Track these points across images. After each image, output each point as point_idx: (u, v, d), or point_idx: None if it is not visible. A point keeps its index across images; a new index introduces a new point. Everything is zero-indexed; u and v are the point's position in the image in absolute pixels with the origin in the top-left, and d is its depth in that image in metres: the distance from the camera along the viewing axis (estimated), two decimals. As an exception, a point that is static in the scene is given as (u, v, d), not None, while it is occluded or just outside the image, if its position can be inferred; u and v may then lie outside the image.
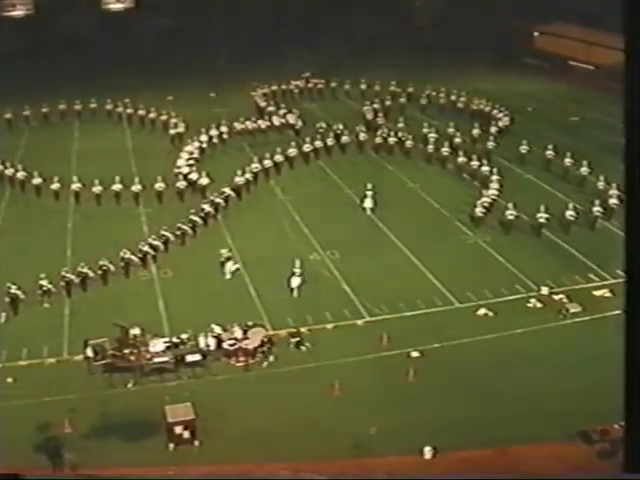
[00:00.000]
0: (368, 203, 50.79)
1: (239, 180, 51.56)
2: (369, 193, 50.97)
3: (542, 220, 45.63)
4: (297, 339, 34.64)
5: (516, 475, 26.43)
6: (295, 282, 38.73)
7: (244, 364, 33.14)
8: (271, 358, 33.16)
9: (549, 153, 56.59)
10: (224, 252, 41.31)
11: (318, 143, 59.77)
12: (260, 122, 65.22)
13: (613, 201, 47.40)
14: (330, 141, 60.28)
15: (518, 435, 28.35)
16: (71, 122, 69.56)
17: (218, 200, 48.63)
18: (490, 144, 58.95)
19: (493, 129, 62.74)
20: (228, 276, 40.23)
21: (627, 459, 9.91)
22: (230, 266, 40.40)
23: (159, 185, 50.93)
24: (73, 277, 39.13)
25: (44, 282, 38.01)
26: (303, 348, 34.47)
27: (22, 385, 31.87)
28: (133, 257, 41.46)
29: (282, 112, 67.53)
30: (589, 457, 27.44)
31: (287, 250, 44.26)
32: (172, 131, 63.59)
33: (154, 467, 26.99)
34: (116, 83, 77.12)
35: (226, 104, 74.10)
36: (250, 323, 34.61)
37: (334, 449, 27.76)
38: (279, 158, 56.30)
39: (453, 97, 72.74)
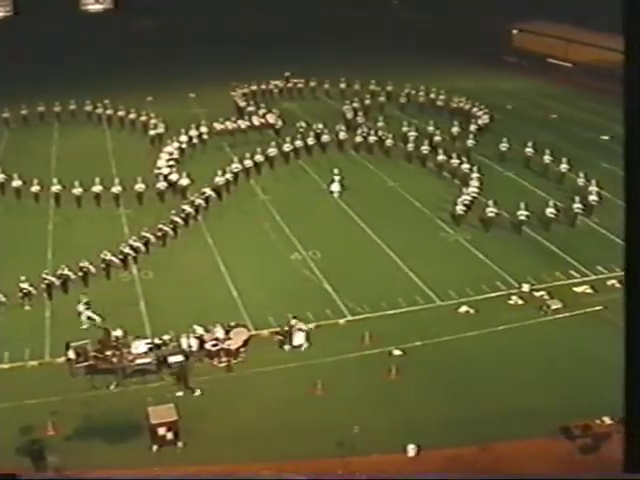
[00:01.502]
0: (335, 187, 52.36)
1: (219, 180, 51.54)
2: (336, 178, 52.52)
3: (522, 217, 45.81)
4: (281, 337, 34.65)
5: (501, 474, 26.55)
6: (299, 339, 35.14)
7: (226, 364, 33.13)
8: (197, 392, 31.88)
9: (529, 150, 56.85)
10: (81, 304, 36.99)
11: (298, 143, 59.82)
12: (240, 122, 65.19)
13: (593, 198, 47.65)
14: (310, 140, 60.34)
15: (501, 432, 28.46)
16: (50, 123, 69.36)
17: (199, 201, 48.58)
18: (470, 142, 59.20)
19: (473, 127, 62.98)
20: (85, 325, 36.42)
21: (627, 459, 9.95)
22: (87, 314, 36.80)
23: (139, 186, 50.81)
24: (54, 279, 38.99)
25: (25, 284, 37.86)
26: (286, 348, 34.49)
27: (4, 388, 31.73)
28: (114, 258, 41.34)
29: (262, 112, 67.57)
30: (571, 452, 27.59)
31: (268, 250, 44.34)
32: (152, 132, 63.48)
33: (138, 469, 26.93)
34: (95, 84, 77.04)
35: (206, 104, 74.21)
36: (232, 323, 34.62)
37: (317, 449, 27.77)
38: (259, 158, 56.32)
39: (432, 95, 72.98)
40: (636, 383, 9.59)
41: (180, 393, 31.33)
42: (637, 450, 9.85)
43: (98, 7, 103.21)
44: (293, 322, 34.82)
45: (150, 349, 32.76)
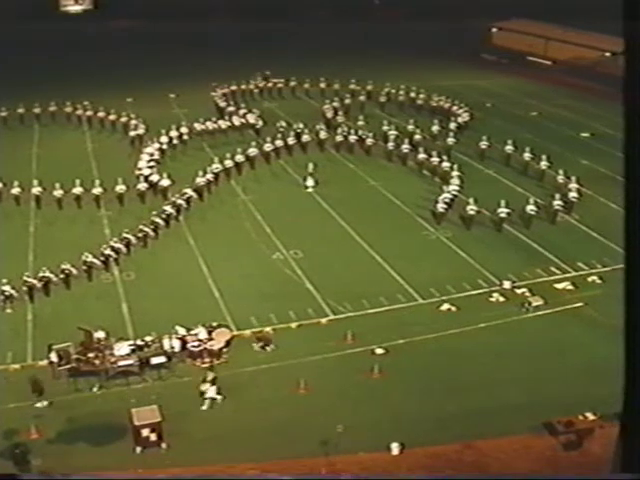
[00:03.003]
0: (309, 182, 53.28)
1: (200, 181, 51.43)
2: (310, 171, 53.73)
3: (503, 215, 45.98)
4: (262, 343, 34.66)
5: (485, 471, 26.63)
6: (211, 392, 31.18)
7: (209, 365, 33.12)
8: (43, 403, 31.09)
9: (509, 148, 57.12)
10: None
11: (279, 142, 59.77)
12: (220, 122, 65.19)
13: (573, 195, 47.90)
14: (291, 140, 60.33)
15: (484, 429, 28.56)
16: (30, 125, 68.93)
17: (179, 201, 48.51)
18: (450, 140, 59.46)
19: (453, 125, 63.21)
20: None
21: (625, 459, 9.99)
22: None
23: (120, 187, 50.62)
24: (35, 282, 38.82)
25: (6, 287, 37.69)
26: (268, 348, 34.48)
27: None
28: (95, 260, 41.20)
29: (242, 112, 67.53)
30: (555, 448, 27.71)
31: (250, 250, 44.30)
32: (132, 133, 63.29)
33: (122, 471, 26.87)
34: (75, 85, 76.81)
35: (186, 105, 74.12)
36: (214, 324, 34.58)
37: (301, 448, 27.80)
38: (240, 158, 56.26)
39: (412, 94, 73.24)
40: (634, 383, 9.62)
41: (40, 404, 30.89)
42: (636, 450, 9.89)
43: (77, 8, 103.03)
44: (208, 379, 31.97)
45: (133, 351, 32.67)
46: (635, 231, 9.00)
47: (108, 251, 42.06)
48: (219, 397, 30.90)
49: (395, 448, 27.56)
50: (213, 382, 30.96)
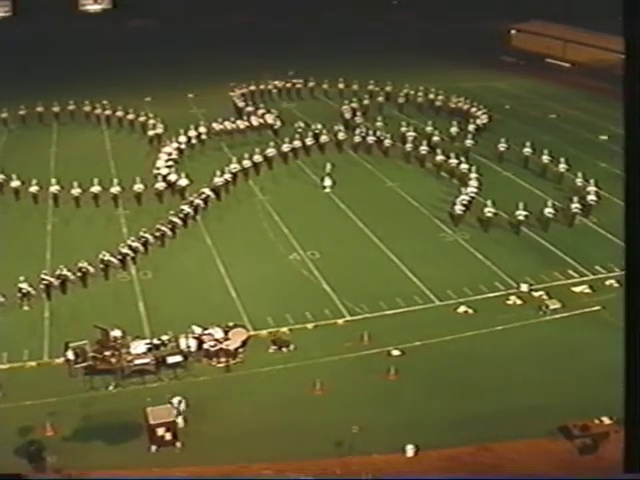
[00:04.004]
0: (327, 182, 53.34)
1: (218, 181, 51.48)
2: (328, 172, 53.84)
3: (521, 217, 45.80)
4: (277, 346, 34.61)
5: (499, 474, 26.55)
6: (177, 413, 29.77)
7: (225, 365, 33.13)
8: None
9: (527, 150, 56.90)
10: None
11: (297, 143, 59.79)
12: (238, 122, 65.22)
13: (591, 197, 47.69)
14: (309, 141, 60.29)
15: (499, 431, 28.45)
16: (49, 124, 69.24)
17: (197, 201, 48.55)
18: (468, 142, 59.24)
19: (471, 127, 63.00)
20: None
21: (627, 459, 9.94)
22: None
23: (138, 186, 50.75)
24: (53, 279, 38.95)
25: (23, 285, 37.80)
26: (284, 349, 34.47)
27: (3, 389, 31.67)
28: (113, 259, 41.28)
29: (260, 112, 67.56)
30: (571, 452, 27.60)
31: (267, 250, 44.31)
32: (150, 132, 63.39)
33: (137, 470, 26.91)
34: (94, 84, 77.02)
35: (204, 105, 74.23)
36: (231, 324, 34.60)
37: (316, 448, 27.76)
38: (258, 158, 56.26)
39: (431, 95, 73.13)
40: (636, 383, 9.57)
41: None
42: (637, 450, 9.84)
43: (97, 7, 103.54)
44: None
45: (149, 349, 32.72)
46: (636, 232, 8.96)
47: (125, 250, 42.12)
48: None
49: (410, 450, 27.50)
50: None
